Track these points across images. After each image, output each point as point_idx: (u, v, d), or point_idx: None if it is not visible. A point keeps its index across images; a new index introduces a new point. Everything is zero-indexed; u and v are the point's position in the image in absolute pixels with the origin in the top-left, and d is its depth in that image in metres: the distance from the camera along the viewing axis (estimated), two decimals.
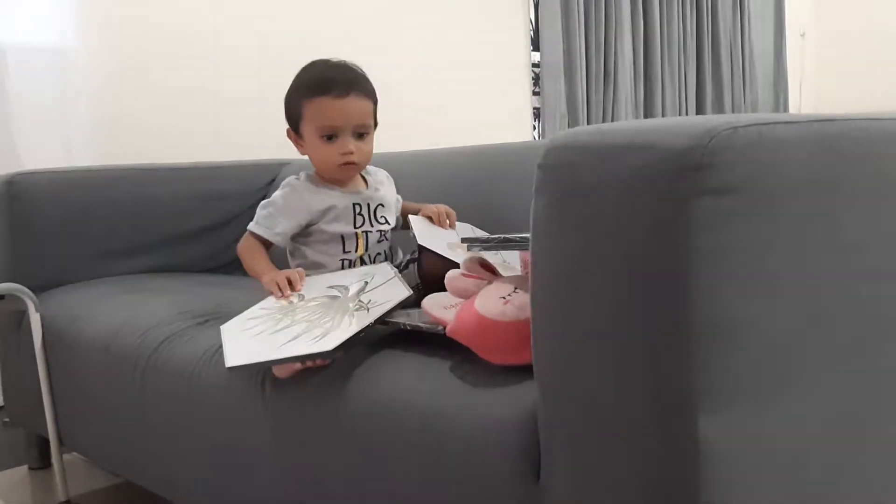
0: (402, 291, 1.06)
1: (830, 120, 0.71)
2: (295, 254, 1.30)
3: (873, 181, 0.76)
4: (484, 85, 3.05)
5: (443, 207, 1.34)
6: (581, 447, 0.70)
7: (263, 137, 2.03)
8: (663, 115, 3.55)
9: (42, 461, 1.71)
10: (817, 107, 4.24)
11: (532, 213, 0.71)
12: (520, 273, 1.03)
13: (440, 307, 0.96)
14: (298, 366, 0.99)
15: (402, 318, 1.00)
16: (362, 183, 1.33)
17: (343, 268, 1.25)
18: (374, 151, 1.29)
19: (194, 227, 1.86)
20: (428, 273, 1.18)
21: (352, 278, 1.15)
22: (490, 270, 0.97)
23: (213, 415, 1.11)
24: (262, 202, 1.30)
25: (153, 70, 2.31)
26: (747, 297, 0.65)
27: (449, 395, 0.85)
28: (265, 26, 2.51)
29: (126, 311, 1.39)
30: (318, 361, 0.97)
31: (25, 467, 1.74)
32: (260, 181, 1.95)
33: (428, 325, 0.96)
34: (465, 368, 0.88)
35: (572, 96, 3.25)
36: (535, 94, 3.25)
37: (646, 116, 3.51)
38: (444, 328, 0.89)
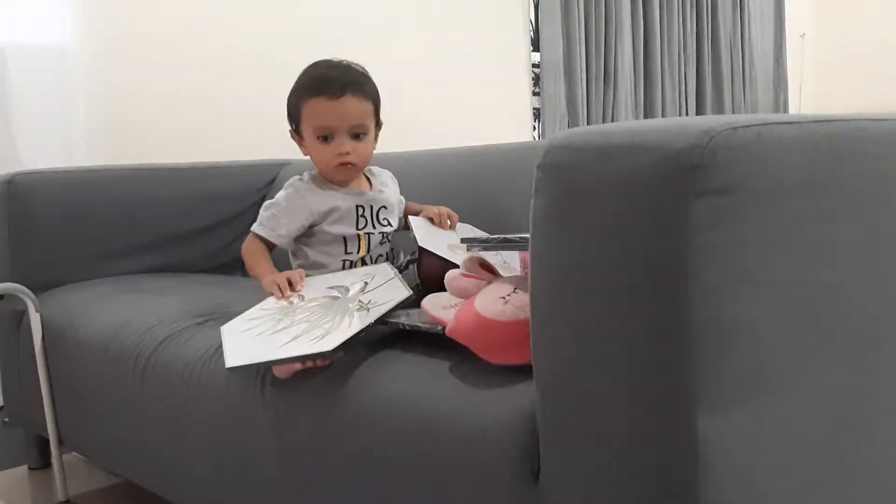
0: (402, 292, 1.07)
1: (830, 120, 0.71)
2: (297, 254, 1.30)
3: (873, 181, 0.76)
4: (484, 85, 3.05)
5: (444, 209, 1.34)
6: (580, 447, 0.70)
7: (263, 137, 2.04)
8: (663, 115, 3.55)
9: (42, 461, 1.71)
10: (817, 107, 4.23)
11: (532, 213, 0.71)
12: (519, 273, 1.03)
13: (440, 307, 0.96)
14: (298, 366, 0.99)
15: (402, 319, 1.00)
16: (366, 184, 1.33)
17: (344, 268, 1.25)
18: (375, 151, 1.29)
19: (194, 227, 1.86)
20: (428, 274, 1.18)
21: (352, 279, 1.15)
22: (490, 271, 0.97)
23: (213, 415, 1.11)
24: (266, 203, 1.30)
25: (153, 70, 2.31)
26: (746, 297, 0.65)
27: (448, 396, 0.85)
28: (265, 27, 2.51)
29: (125, 311, 1.39)
30: (319, 362, 0.98)
31: (25, 467, 1.74)
32: (260, 181, 1.95)
33: (428, 325, 0.96)
34: (465, 368, 0.88)
35: (572, 96, 3.24)
36: (535, 94, 3.25)
37: (646, 116, 3.50)
38: (444, 328, 0.89)
